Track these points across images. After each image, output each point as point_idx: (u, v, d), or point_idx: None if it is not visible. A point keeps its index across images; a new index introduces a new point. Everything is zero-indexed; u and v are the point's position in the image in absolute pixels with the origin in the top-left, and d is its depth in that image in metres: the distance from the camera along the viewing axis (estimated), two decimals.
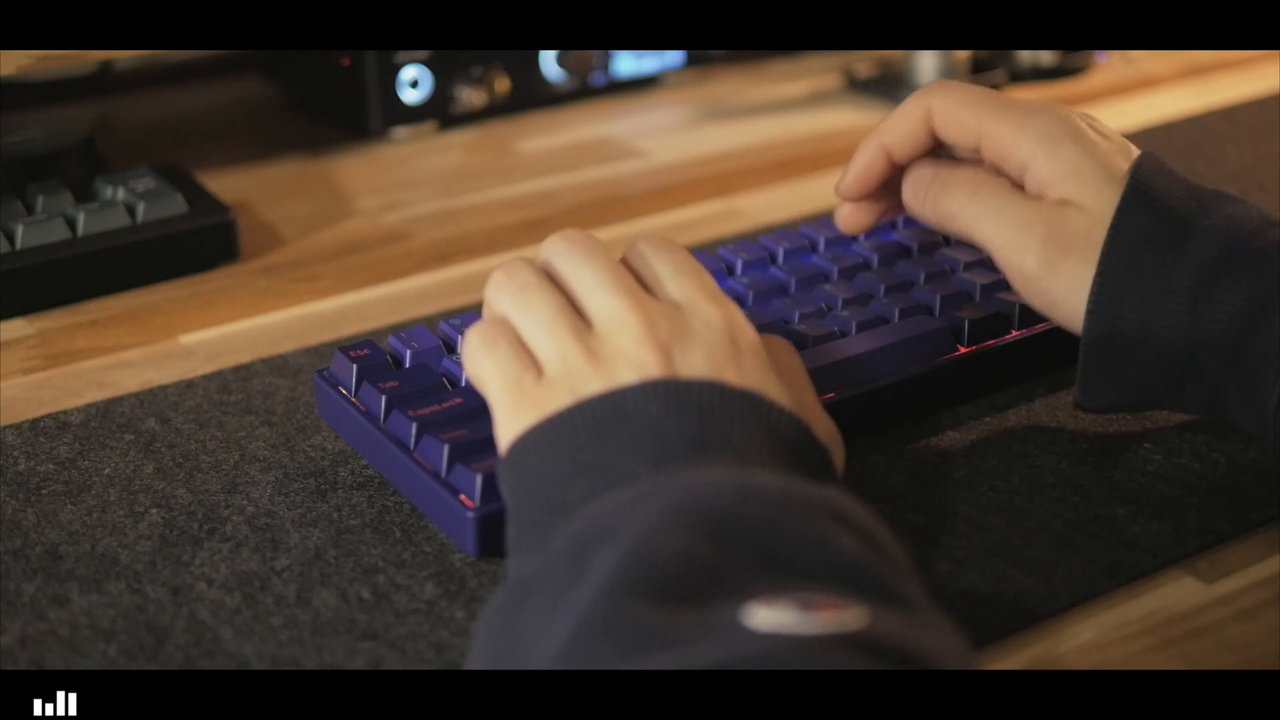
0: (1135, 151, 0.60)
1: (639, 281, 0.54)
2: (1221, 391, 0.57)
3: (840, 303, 0.66)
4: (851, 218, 0.66)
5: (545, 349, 0.51)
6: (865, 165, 0.64)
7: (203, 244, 0.79)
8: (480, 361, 0.52)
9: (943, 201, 0.61)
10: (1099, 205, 0.58)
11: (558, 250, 0.55)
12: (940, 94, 0.62)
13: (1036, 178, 0.59)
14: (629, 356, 0.50)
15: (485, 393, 0.52)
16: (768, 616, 0.39)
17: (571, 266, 0.54)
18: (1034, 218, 0.58)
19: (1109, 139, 0.60)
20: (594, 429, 0.48)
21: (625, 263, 0.55)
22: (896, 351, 0.63)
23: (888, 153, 0.63)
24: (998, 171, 0.61)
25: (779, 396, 0.51)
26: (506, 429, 0.51)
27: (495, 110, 0.99)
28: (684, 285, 0.53)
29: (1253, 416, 0.56)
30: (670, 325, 0.51)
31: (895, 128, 0.63)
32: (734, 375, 0.50)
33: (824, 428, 0.53)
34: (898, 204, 0.65)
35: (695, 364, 0.50)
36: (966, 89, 0.62)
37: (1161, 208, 0.57)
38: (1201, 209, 0.57)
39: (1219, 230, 0.56)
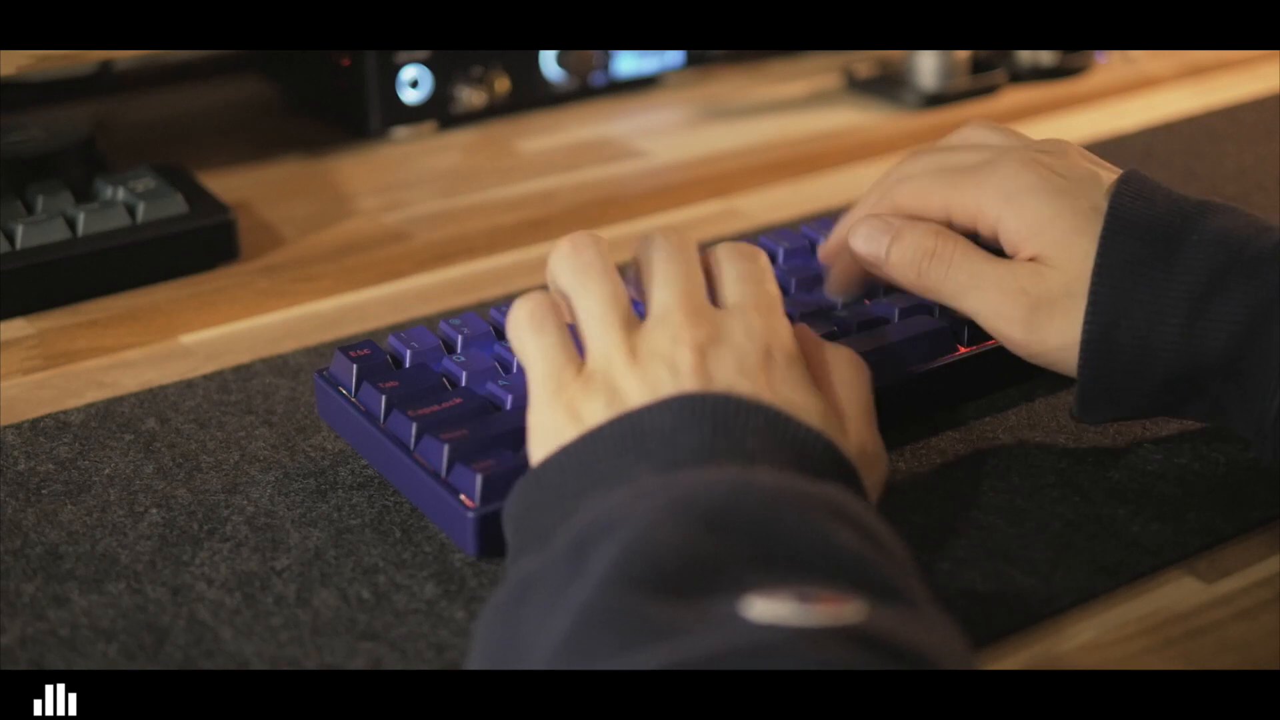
0: (1103, 182, 0.59)
1: (710, 282, 0.55)
2: (1221, 402, 0.57)
3: (840, 303, 0.66)
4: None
5: (592, 339, 0.53)
6: (847, 273, 0.65)
7: (203, 244, 0.79)
8: (526, 340, 0.53)
9: (923, 277, 0.60)
10: (1071, 258, 0.57)
11: (655, 240, 0.55)
12: (903, 187, 0.62)
13: (1007, 237, 0.59)
14: (665, 357, 0.51)
15: (526, 371, 0.54)
16: (766, 608, 0.39)
17: (656, 257, 0.55)
18: (1011, 285, 0.58)
19: (1070, 178, 0.59)
20: (614, 445, 0.49)
21: (704, 261, 0.56)
22: (896, 351, 0.63)
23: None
24: (970, 235, 0.61)
25: (804, 412, 0.51)
26: (539, 426, 0.52)
27: (495, 110, 0.99)
28: (742, 291, 0.54)
29: (1251, 426, 0.56)
30: (710, 328, 0.52)
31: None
32: (764, 384, 0.51)
33: (861, 442, 0.53)
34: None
35: (725, 368, 0.51)
36: (922, 174, 0.62)
37: (1145, 231, 0.57)
38: (1187, 225, 0.57)
39: (1207, 245, 0.56)
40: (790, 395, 0.51)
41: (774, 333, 0.53)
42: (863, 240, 0.62)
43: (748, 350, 0.52)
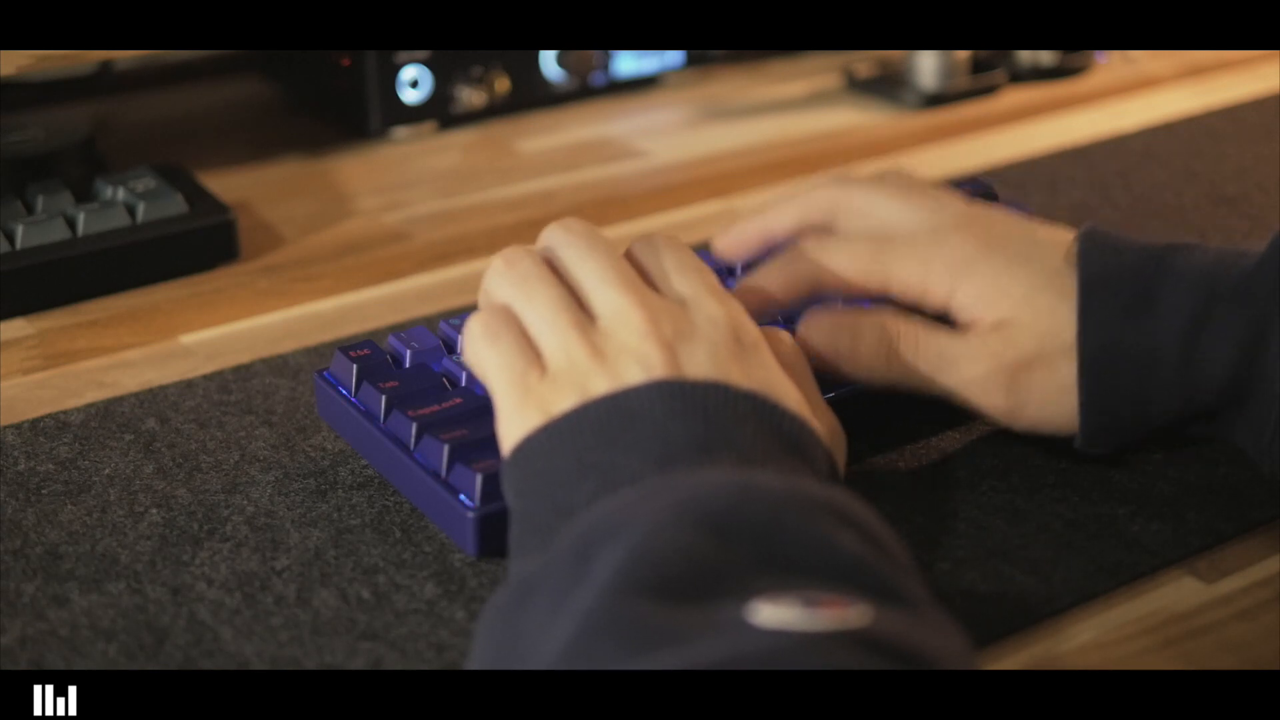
0: (1041, 238, 0.58)
1: (642, 277, 0.54)
2: (1223, 421, 0.57)
3: (840, 302, 0.65)
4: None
5: (549, 343, 0.51)
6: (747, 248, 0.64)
7: (203, 244, 0.79)
8: (483, 353, 0.52)
9: (890, 364, 0.58)
10: (1037, 316, 0.56)
11: (560, 241, 0.55)
12: (827, 258, 0.59)
13: (964, 307, 0.58)
14: (633, 352, 0.50)
15: (488, 385, 0.52)
16: (772, 614, 0.39)
17: (575, 259, 0.54)
18: (983, 354, 0.57)
19: (1012, 239, 0.58)
20: (600, 430, 0.48)
21: (628, 257, 0.55)
22: None
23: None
24: (915, 308, 0.59)
25: (783, 395, 0.51)
26: (511, 428, 0.51)
27: (495, 110, 0.99)
28: (687, 281, 0.53)
29: (1251, 440, 0.57)
30: (674, 322, 0.51)
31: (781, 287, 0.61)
32: (738, 373, 0.50)
33: (826, 423, 0.53)
34: None
35: (699, 361, 0.50)
36: (848, 249, 0.59)
37: (1121, 284, 0.56)
38: (1161, 269, 0.56)
39: (1185, 286, 0.56)
40: (766, 379, 0.51)
41: (734, 318, 0.52)
42: (822, 337, 0.59)
43: (716, 340, 0.51)
